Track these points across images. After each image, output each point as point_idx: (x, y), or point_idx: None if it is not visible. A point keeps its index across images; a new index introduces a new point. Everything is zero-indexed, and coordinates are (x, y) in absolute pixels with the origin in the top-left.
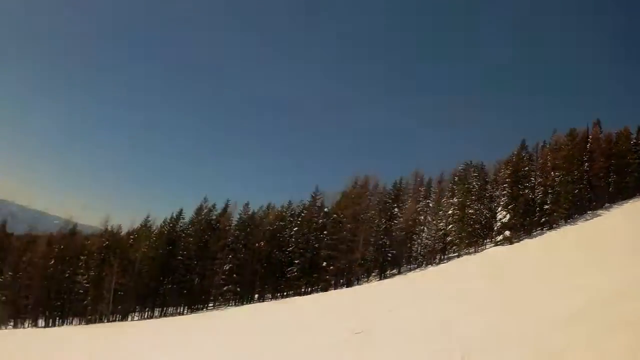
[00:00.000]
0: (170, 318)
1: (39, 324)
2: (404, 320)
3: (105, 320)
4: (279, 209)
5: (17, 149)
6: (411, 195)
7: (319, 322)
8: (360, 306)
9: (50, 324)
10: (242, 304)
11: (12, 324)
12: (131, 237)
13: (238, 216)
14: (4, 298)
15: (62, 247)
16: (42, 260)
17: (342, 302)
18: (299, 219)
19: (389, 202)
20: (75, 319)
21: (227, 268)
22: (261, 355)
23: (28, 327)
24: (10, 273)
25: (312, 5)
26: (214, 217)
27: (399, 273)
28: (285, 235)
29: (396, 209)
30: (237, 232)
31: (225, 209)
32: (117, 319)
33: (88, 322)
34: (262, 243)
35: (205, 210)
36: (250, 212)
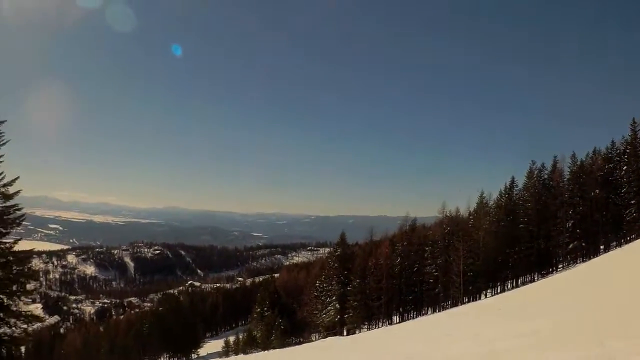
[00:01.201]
0: (522, 287)
1: (394, 321)
2: None
3: (459, 304)
4: (604, 151)
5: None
6: None
7: None
8: None
9: (404, 319)
10: (589, 258)
11: (365, 326)
12: (471, 217)
13: (568, 169)
14: (355, 303)
15: (404, 243)
16: (387, 261)
17: None
18: (625, 157)
19: None
20: (429, 308)
21: (569, 225)
22: None
23: (382, 326)
24: (358, 280)
25: None
26: (545, 177)
27: None
28: (617, 177)
29: None
30: (570, 186)
31: (554, 166)
32: (470, 299)
33: (442, 308)
34: (596, 191)
35: (536, 172)
36: (578, 162)
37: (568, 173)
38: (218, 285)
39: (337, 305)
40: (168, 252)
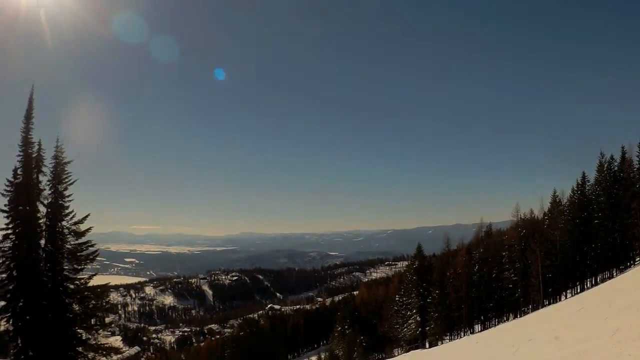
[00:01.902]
0: (601, 285)
1: (476, 330)
2: None
3: (540, 307)
4: None
5: None
6: None
7: None
8: None
9: (486, 327)
10: None
11: (447, 337)
12: (546, 217)
13: (637, 159)
14: (435, 315)
15: (481, 250)
16: (465, 270)
17: None
18: None
19: None
20: (510, 314)
21: None
22: None
23: (464, 336)
24: (437, 291)
25: None
26: (615, 168)
27: None
28: None
29: None
30: None
31: (622, 156)
32: (551, 301)
33: (523, 313)
34: None
35: (606, 165)
36: None
37: (637, 162)
38: (298, 307)
39: (417, 318)
40: (245, 278)
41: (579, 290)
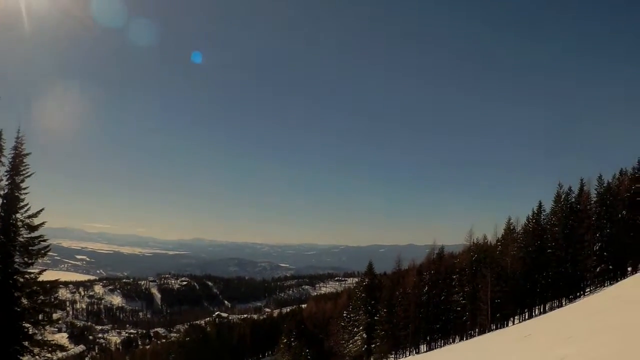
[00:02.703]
0: (550, 313)
1: (421, 350)
2: None
3: (487, 331)
4: (630, 172)
5: None
6: None
7: None
8: None
9: (431, 348)
10: (616, 280)
11: (393, 355)
12: (498, 243)
13: (595, 192)
14: (382, 333)
15: (432, 272)
16: (415, 290)
17: None
18: None
19: None
20: (456, 337)
21: (596, 248)
22: None
23: (409, 355)
24: (385, 310)
25: None
26: (573, 200)
27: None
28: None
29: None
30: (597, 208)
31: (581, 189)
32: (498, 326)
33: (469, 336)
34: (623, 212)
35: (563, 196)
36: (605, 185)
37: (595, 195)
38: (245, 316)
39: (364, 335)
40: (195, 284)
41: (526, 317)
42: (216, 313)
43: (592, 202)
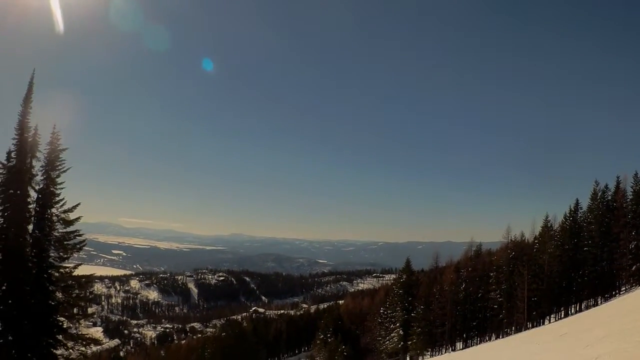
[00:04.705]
0: (585, 311)
1: (457, 347)
2: None
3: (523, 329)
4: None
5: None
6: None
7: None
8: None
9: (467, 345)
10: None
11: (429, 352)
12: (536, 241)
13: (631, 190)
14: (418, 330)
15: (469, 269)
16: (452, 287)
17: None
18: None
19: None
20: (492, 334)
21: (632, 246)
22: None
23: (445, 352)
24: (422, 307)
25: None
26: (609, 198)
27: None
28: None
29: None
30: (633, 206)
31: (617, 186)
32: (534, 325)
33: (506, 334)
34: None
35: (600, 194)
36: None
37: (631, 193)
38: (282, 311)
39: (400, 331)
40: (232, 279)
41: (562, 316)
42: (253, 308)
43: (628, 199)
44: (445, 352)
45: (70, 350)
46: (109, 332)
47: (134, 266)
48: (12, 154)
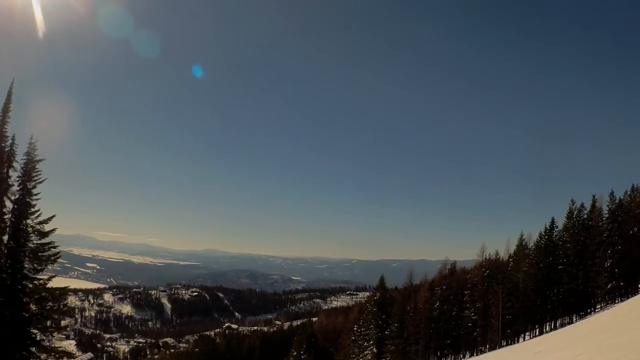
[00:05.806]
0: (560, 329)
1: None
2: None
3: (497, 347)
4: None
5: None
6: None
7: None
8: None
9: None
10: (627, 297)
11: None
12: (510, 259)
13: (607, 208)
14: (392, 347)
15: (444, 287)
16: (426, 305)
17: None
18: None
19: None
20: (466, 352)
21: (607, 265)
22: None
23: None
24: (396, 324)
25: None
26: (585, 216)
27: None
28: None
29: None
30: (609, 225)
31: (593, 205)
32: (508, 342)
33: (480, 352)
34: (635, 229)
35: (575, 212)
36: (616, 201)
37: (607, 212)
38: (255, 328)
39: (374, 349)
40: (205, 294)
41: (537, 334)
42: (226, 324)
43: (604, 218)
44: None
45: None
46: (82, 346)
47: (108, 280)
48: None
